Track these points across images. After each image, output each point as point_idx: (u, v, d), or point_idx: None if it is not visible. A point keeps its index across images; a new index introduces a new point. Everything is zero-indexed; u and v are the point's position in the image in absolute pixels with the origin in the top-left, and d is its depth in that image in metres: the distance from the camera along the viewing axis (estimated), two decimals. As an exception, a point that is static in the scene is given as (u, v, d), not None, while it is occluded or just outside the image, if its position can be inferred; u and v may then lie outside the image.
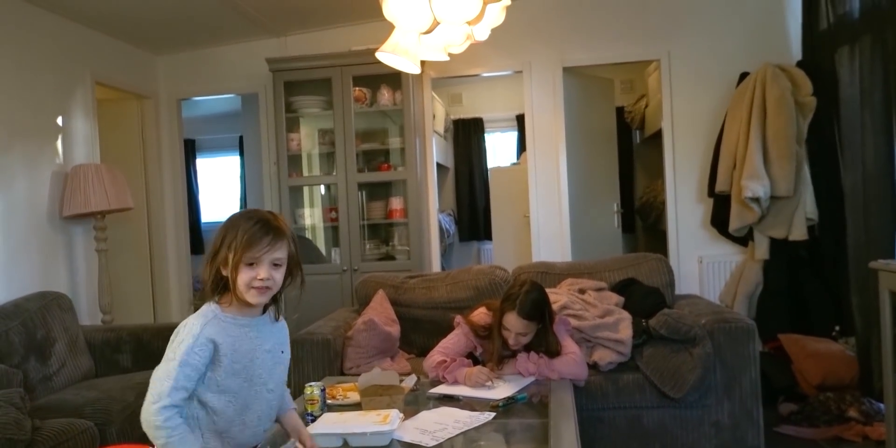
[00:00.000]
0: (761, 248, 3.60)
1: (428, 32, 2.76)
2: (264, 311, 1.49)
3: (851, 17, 3.30)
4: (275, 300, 1.50)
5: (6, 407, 2.03)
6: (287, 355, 1.56)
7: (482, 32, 2.88)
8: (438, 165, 5.65)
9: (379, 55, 2.89)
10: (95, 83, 3.83)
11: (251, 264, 1.38)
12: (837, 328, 3.51)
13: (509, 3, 2.78)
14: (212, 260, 1.40)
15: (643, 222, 5.76)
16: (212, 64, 4.48)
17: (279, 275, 1.42)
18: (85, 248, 3.64)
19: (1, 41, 3.13)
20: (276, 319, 1.53)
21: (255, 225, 1.38)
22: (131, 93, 4.24)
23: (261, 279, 1.37)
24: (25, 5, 3.29)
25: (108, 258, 3.62)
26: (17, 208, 3.19)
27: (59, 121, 3.55)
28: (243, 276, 1.37)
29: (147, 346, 3.08)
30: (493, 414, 1.89)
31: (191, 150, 6.56)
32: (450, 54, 3.01)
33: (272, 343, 1.49)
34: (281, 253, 1.40)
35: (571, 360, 2.31)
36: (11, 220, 3.14)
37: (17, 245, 3.17)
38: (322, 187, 4.33)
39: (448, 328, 2.56)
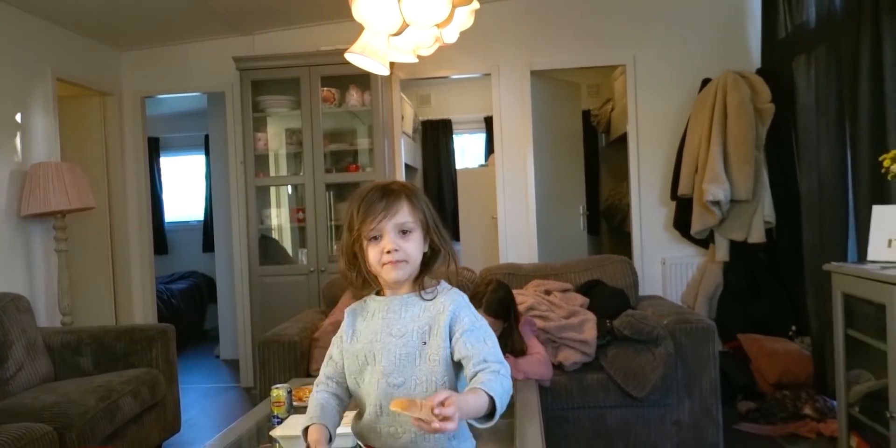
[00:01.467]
0: (721, 251, 3.69)
1: (397, 34, 2.77)
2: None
3: (808, 27, 3.41)
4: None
5: (-39, 411, 1.98)
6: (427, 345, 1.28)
7: (451, 35, 2.90)
8: (407, 166, 5.65)
9: (348, 56, 2.89)
10: (56, 79, 3.75)
11: (375, 238, 1.24)
12: (794, 328, 3.62)
13: (478, 6, 2.82)
14: (343, 251, 1.28)
15: (608, 224, 5.84)
16: (178, 61, 4.41)
17: (411, 244, 1.25)
18: (44, 249, 3.56)
19: (-43, 35, 3.05)
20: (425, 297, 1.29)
21: (368, 192, 1.26)
22: (94, 90, 4.16)
23: (388, 251, 1.22)
24: (-17, -1, 3.21)
25: (68, 258, 3.54)
26: (-27, 207, 3.11)
27: (18, 117, 3.46)
28: (372, 254, 1.24)
29: (108, 349, 3.02)
30: (460, 414, 1.91)
31: (154, 149, 6.45)
32: (419, 56, 3.02)
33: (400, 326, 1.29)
34: (405, 216, 1.24)
35: (536, 360, 2.35)
36: (-33, 219, 3.06)
37: (-27, 245, 3.09)
38: (289, 187, 4.30)
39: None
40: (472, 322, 1.26)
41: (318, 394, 1.35)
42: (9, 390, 2.69)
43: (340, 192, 4.18)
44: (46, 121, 3.67)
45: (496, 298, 2.28)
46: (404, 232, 1.24)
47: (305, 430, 1.29)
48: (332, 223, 4.06)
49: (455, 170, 6.28)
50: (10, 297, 2.98)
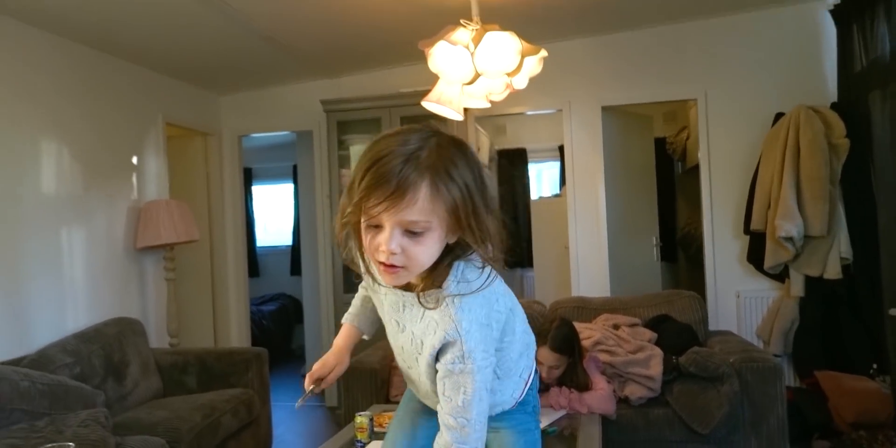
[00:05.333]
0: (797, 286, 3.67)
1: (470, 83, 2.99)
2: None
3: (884, 61, 3.39)
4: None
5: (94, 425, 2.30)
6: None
7: (521, 82, 3.08)
8: (482, 196, 5.84)
9: (425, 104, 3.13)
10: (166, 124, 4.19)
11: (377, 226, 0.97)
12: (875, 366, 3.54)
13: (546, 54, 2.98)
14: (341, 216, 1.02)
15: (685, 252, 5.83)
16: (270, 103, 4.81)
17: (419, 249, 0.96)
18: (154, 277, 3.97)
19: (82, 90, 3.48)
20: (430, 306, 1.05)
21: (381, 157, 0.94)
22: (197, 131, 4.60)
23: (382, 250, 0.96)
24: (101, 55, 3.62)
25: (175, 285, 3.93)
26: (98, 241, 3.53)
27: (134, 160, 3.90)
28: (367, 242, 0.99)
29: (210, 369, 3.36)
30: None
31: (248, 178, 6.94)
32: (491, 101, 3.23)
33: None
34: (417, 213, 0.93)
35: (601, 395, 2.46)
36: (92, 252, 3.48)
37: (98, 275, 3.50)
38: (372, 220, 4.57)
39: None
40: (455, 360, 1.02)
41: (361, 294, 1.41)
42: (126, 405, 3.04)
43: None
44: (157, 162, 4.10)
45: (560, 335, 2.43)
46: (412, 233, 0.95)
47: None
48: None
49: (530, 197, 6.43)
50: (127, 321, 3.37)
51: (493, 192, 1.05)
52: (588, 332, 2.98)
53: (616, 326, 3.15)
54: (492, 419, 1.19)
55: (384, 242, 0.95)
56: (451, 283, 1.03)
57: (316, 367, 1.35)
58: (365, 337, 1.41)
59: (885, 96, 3.38)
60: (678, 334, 3.08)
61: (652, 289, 4.53)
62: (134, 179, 3.89)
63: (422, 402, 1.32)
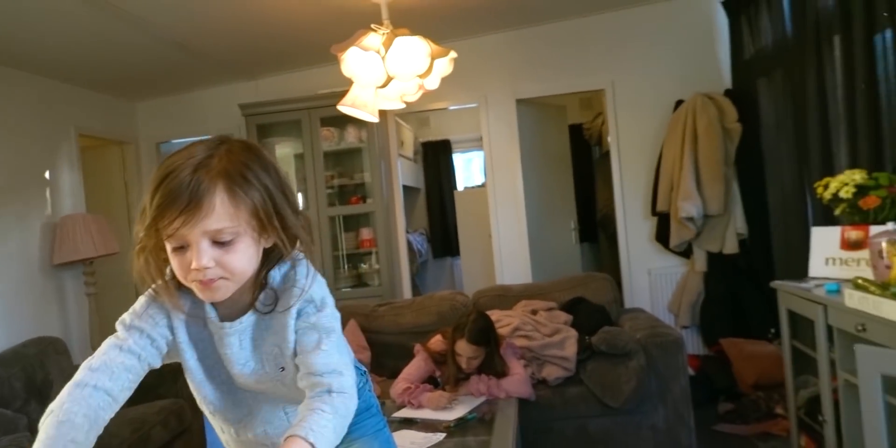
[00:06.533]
0: (700, 261, 3.95)
1: (383, 87, 3.08)
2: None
3: (767, 51, 3.65)
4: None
5: (19, 449, 2.31)
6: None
7: (433, 83, 3.18)
8: (409, 187, 5.96)
9: (340, 108, 3.21)
10: (79, 135, 4.11)
11: (181, 247, 0.91)
12: (773, 331, 3.85)
13: (455, 55, 3.09)
14: (139, 243, 0.96)
15: (605, 233, 6.10)
16: (188, 108, 4.77)
17: (235, 257, 0.92)
18: (75, 293, 3.90)
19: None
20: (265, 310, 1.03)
21: (169, 174, 0.89)
22: (113, 140, 4.52)
23: (195, 267, 0.90)
24: (4, 69, 3.53)
25: (97, 300, 3.88)
26: (11, 259, 3.46)
27: (47, 174, 3.82)
28: (175, 264, 0.93)
29: (139, 384, 3.35)
30: (444, 434, 2.21)
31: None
32: (405, 102, 3.33)
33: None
34: (220, 220, 0.89)
35: (517, 380, 2.63)
36: (5, 270, 3.41)
37: (12, 294, 3.43)
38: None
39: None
40: (311, 312, 1.02)
41: None
42: (56, 424, 3.02)
43: (346, 222, 4.47)
44: (72, 175, 4.03)
45: (476, 328, 2.57)
46: (219, 243, 0.91)
47: None
48: (340, 253, 4.37)
49: (455, 189, 6.58)
50: (48, 340, 3.32)
51: (295, 194, 1.01)
52: (507, 320, 3.15)
53: (534, 311, 3.32)
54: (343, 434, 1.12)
55: (194, 259, 0.89)
56: (278, 280, 1.02)
57: None
58: None
59: (770, 83, 3.66)
60: (591, 315, 3.28)
61: (572, 271, 4.76)
62: (48, 194, 3.81)
63: None
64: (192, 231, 0.88)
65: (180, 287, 0.99)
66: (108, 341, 1.01)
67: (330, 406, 0.95)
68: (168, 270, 0.98)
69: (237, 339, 1.03)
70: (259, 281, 1.01)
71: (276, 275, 1.02)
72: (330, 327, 1.03)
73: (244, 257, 0.93)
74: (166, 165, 0.90)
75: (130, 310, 1.03)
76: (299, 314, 1.02)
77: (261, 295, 1.02)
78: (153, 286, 1.00)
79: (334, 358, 1.00)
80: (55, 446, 0.87)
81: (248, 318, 1.03)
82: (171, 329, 1.03)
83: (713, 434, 3.22)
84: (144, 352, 1.00)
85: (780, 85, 3.50)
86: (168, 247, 0.92)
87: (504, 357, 2.67)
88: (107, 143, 4.57)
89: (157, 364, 1.04)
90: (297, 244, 1.01)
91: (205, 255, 0.90)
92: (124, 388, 0.98)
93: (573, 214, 5.11)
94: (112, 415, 0.96)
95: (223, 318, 1.03)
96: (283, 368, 1.04)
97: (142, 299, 1.03)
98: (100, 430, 0.93)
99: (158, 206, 0.88)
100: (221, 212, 0.89)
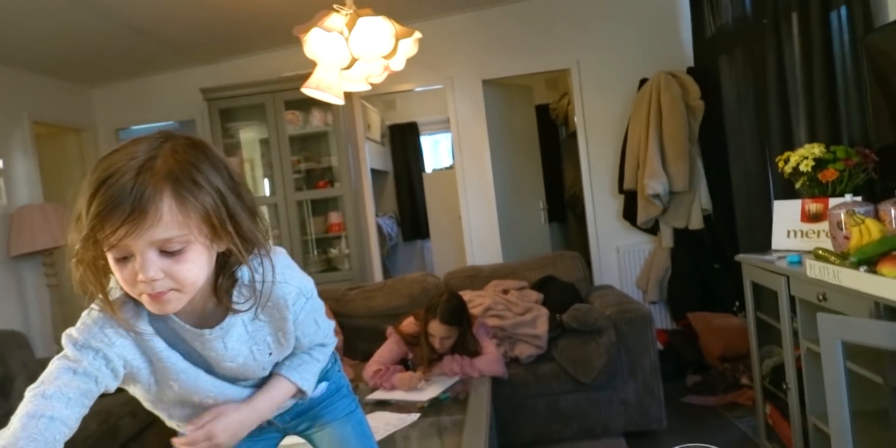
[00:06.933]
0: (667, 238, 4.01)
1: (348, 68, 3.03)
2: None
3: (728, 28, 3.69)
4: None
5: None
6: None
7: (398, 64, 3.14)
8: (378, 171, 5.92)
9: (304, 90, 3.14)
10: (33, 122, 3.97)
11: (125, 258, 0.84)
12: (738, 304, 3.94)
13: (420, 36, 3.05)
14: (76, 256, 0.87)
15: (573, 212, 6.14)
16: (147, 93, 4.65)
17: (185, 267, 0.85)
18: (35, 285, 3.81)
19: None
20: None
21: (106, 178, 0.81)
22: (69, 127, 4.39)
23: (141, 280, 0.83)
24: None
25: (59, 291, 3.79)
26: (-31, 252, 3.36)
27: (0, 163, 3.70)
28: (120, 276, 0.86)
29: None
30: (419, 414, 2.22)
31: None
32: (371, 84, 3.28)
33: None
34: (167, 229, 0.82)
35: (490, 359, 2.65)
36: (-36, 264, 3.31)
37: (-28, 287, 3.34)
38: (265, 207, 4.55)
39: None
40: (299, 301, 1.03)
41: None
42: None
43: (314, 206, 4.43)
44: (27, 164, 3.90)
45: (449, 308, 2.58)
46: (167, 253, 0.84)
47: None
48: (309, 237, 4.33)
49: (423, 172, 6.55)
50: (8, 334, 3.22)
51: (251, 193, 0.93)
52: (479, 300, 3.16)
53: (505, 291, 3.35)
54: (315, 419, 1.24)
55: (140, 271, 0.82)
56: (249, 276, 0.96)
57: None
58: None
59: (730, 61, 3.70)
60: (562, 293, 3.32)
61: (542, 251, 4.80)
62: (1, 183, 3.69)
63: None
64: (137, 242, 0.81)
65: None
66: (58, 364, 0.91)
67: (321, 354, 1.13)
68: (112, 282, 0.90)
69: (221, 343, 0.98)
70: (219, 286, 0.94)
71: (245, 271, 0.96)
72: (319, 307, 1.09)
73: (195, 267, 0.86)
74: (104, 168, 0.82)
75: (80, 324, 0.93)
76: (295, 308, 1.02)
77: (232, 295, 0.95)
78: (96, 301, 0.91)
79: (326, 328, 1.13)
80: None
81: (230, 321, 0.97)
82: (138, 344, 0.94)
83: (682, 406, 3.30)
84: (100, 373, 0.91)
85: (740, 62, 3.54)
86: (110, 257, 0.84)
87: (476, 336, 2.68)
88: (63, 131, 4.43)
89: (113, 387, 0.93)
90: (253, 249, 0.92)
91: (152, 267, 0.82)
92: (81, 415, 0.88)
93: (542, 194, 5.15)
94: (64, 441, 0.86)
95: (199, 326, 0.96)
96: (270, 354, 1.04)
97: (93, 313, 0.93)
98: None
99: (97, 214, 0.80)
100: (169, 220, 0.81)
